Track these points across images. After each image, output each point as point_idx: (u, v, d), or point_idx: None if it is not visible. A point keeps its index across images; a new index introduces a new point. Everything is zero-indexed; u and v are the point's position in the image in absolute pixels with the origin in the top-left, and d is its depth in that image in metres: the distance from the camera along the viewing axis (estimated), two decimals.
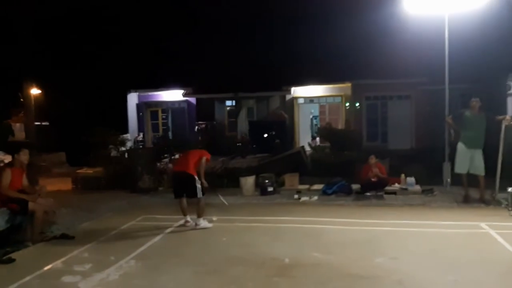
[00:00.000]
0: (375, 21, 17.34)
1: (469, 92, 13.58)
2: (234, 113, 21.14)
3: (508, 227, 6.74)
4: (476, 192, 8.49)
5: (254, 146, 17.72)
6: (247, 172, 10.92)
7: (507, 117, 8.47)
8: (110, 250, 5.96)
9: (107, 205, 9.19)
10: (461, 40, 11.49)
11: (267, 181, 9.78)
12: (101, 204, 9.27)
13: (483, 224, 6.83)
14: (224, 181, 10.90)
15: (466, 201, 8.34)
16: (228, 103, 21.43)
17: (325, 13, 21.44)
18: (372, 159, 9.41)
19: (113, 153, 12.99)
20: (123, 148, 13.44)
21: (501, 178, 8.39)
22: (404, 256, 5.51)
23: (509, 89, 17.54)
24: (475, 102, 8.36)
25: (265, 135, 18.46)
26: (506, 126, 8.32)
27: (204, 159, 7.24)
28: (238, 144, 18.14)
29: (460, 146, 8.40)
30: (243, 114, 21.02)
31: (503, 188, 8.14)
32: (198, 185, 7.01)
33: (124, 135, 15.70)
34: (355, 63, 18.39)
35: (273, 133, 18.47)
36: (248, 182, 9.99)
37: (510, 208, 7.57)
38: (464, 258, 5.41)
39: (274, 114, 20.43)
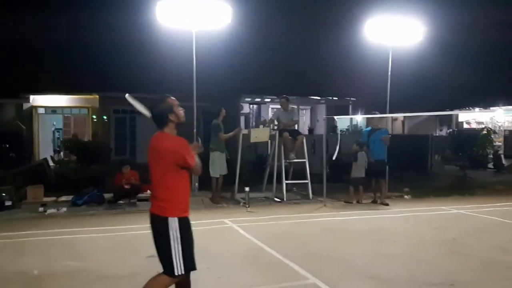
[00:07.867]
0: (128, 34, 17.52)
1: (209, 110, 14.97)
2: None
3: (246, 221, 7.77)
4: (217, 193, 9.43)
5: None
6: None
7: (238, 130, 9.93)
8: None
9: None
10: (204, 62, 12.60)
11: (4, 194, 8.53)
12: None
13: (226, 220, 7.72)
14: None
15: (213, 202, 9.19)
16: None
17: (74, 21, 20.37)
18: (127, 169, 9.37)
19: None
20: None
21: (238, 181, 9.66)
22: None
23: (242, 109, 20.31)
24: (222, 113, 9.38)
25: None
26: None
27: None
28: None
29: (218, 153, 9.20)
30: None
31: (240, 190, 9.34)
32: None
33: None
34: (104, 74, 18.06)
35: (7, 145, 16.27)
36: None
37: (247, 206, 8.74)
38: (213, 248, 5.99)
39: (8, 124, 18.02)
